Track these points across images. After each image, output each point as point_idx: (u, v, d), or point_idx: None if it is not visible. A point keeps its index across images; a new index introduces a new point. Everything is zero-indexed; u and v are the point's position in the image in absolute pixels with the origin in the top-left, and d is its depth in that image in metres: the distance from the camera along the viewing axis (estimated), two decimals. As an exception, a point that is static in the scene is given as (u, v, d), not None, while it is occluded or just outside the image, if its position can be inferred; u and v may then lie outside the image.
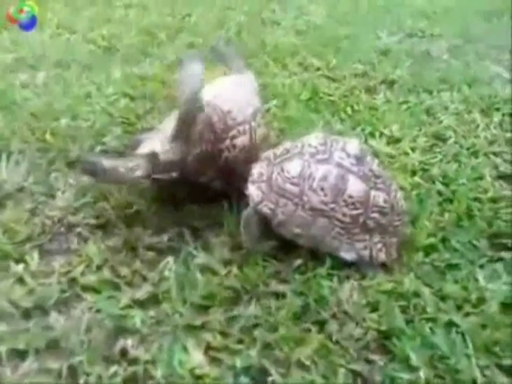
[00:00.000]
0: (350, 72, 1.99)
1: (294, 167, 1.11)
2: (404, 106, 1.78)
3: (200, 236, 1.17)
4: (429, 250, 1.16)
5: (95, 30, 2.28)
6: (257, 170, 1.16)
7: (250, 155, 1.21)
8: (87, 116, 1.60)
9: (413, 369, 0.91)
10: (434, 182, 1.39)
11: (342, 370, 0.91)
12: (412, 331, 0.97)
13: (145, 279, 1.07)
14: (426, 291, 1.05)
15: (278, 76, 1.93)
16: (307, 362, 0.91)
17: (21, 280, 1.05)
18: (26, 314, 0.98)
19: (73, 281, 1.05)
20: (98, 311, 0.99)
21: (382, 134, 1.60)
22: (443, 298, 1.05)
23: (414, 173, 1.43)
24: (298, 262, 1.10)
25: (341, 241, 1.10)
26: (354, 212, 1.09)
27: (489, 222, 1.24)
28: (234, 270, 1.08)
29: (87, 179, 1.26)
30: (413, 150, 1.53)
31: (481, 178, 1.41)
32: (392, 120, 1.67)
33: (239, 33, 2.32)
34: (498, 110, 1.76)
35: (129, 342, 0.94)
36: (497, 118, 1.71)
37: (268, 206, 1.11)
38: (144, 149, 1.20)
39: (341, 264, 1.10)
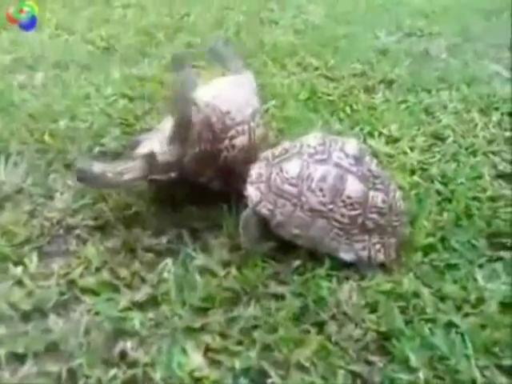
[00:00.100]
0: (348, 72, 1.99)
1: (292, 167, 1.11)
2: (403, 106, 1.78)
3: (199, 237, 1.17)
4: (428, 249, 1.16)
5: (94, 31, 2.28)
6: (255, 170, 1.16)
7: (249, 155, 1.21)
8: (86, 117, 1.60)
9: (412, 370, 0.91)
10: (432, 182, 1.39)
11: (341, 372, 0.91)
12: (411, 332, 0.97)
13: (144, 281, 1.07)
14: (425, 291, 1.05)
15: (277, 76, 1.93)
16: (306, 364, 0.91)
17: (20, 282, 1.05)
18: (25, 317, 0.98)
19: (72, 283, 1.05)
20: (97, 313, 0.99)
21: (380, 133, 1.60)
22: (442, 299, 1.05)
23: (412, 172, 1.43)
24: (297, 262, 1.10)
25: (339, 241, 1.10)
26: (353, 213, 1.09)
27: (488, 221, 1.24)
28: (233, 271, 1.08)
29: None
30: (411, 149, 1.53)
31: (480, 177, 1.41)
32: (391, 119, 1.67)
33: (238, 32, 2.32)
34: (496, 109, 1.76)
35: (128, 344, 0.94)
36: (496, 117, 1.71)
37: (267, 206, 1.11)
38: (143, 149, 1.20)
39: (340, 265, 1.10)
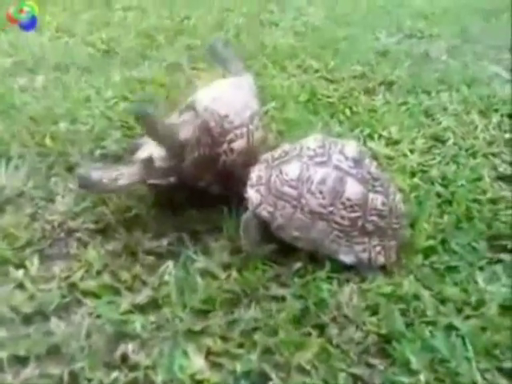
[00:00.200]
0: (348, 73, 1.99)
1: (292, 170, 1.11)
2: (403, 108, 1.78)
3: (199, 240, 1.17)
4: (428, 252, 1.16)
5: (94, 34, 2.29)
6: (255, 173, 1.16)
7: (248, 158, 1.21)
8: (86, 120, 1.60)
9: (413, 372, 0.91)
10: (433, 184, 1.39)
11: (342, 374, 0.91)
12: (412, 334, 0.97)
13: (145, 284, 1.07)
14: (425, 294, 1.05)
15: (277, 78, 1.94)
16: (307, 366, 0.91)
17: (21, 285, 1.05)
18: (27, 320, 0.98)
19: (73, 286, 1.06)
20: (99, 316, 0.99)
21: (380, 135, 1.60)
22: (443, 301, 1.05)
23: (412, 174, 1.43)
24: (298, 265, 1.10)
25: (339, 244, 1.10)
26: (353, 215, 1.09)
27: (488, 223, 1.25)
28: (234, 273, 1.08)
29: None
30: (412, 151, 1.53)
31: (480, 179, 1.41)
32: (391, 121, 1.67)
33: (238, 35, 2.33)
34: (496, 110, 1.76)
35: (129, 347, 0.94)
36: (495, 118, 1.71)
37: (267, 209, 1.11)
38: (142, 153, 1.20)
39: (340, 267, 1.10)
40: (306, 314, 1.01)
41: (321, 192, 1.09)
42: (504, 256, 1.16)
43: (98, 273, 1.08)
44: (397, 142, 1.58)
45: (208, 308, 1.02)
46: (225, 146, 1.19)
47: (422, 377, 0.90)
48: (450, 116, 1.73)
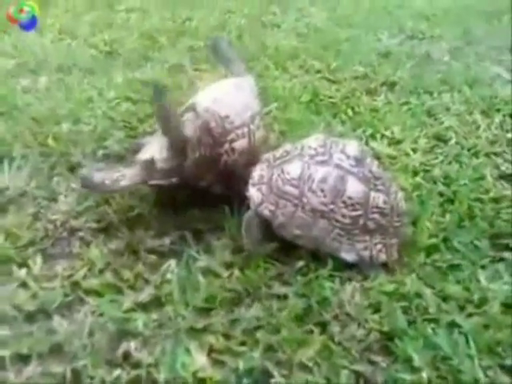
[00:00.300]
0: (350, 74, 1.99)
1: (293, 169, 1.12)
2: (405, 108, 1.78)
3: (202, 239, 1.17)
4: (430, 250, 1.16)
5: (97, 35, 2.29)
6: (257, 172, 1.16)
7: (250, 158, 1.21)
8: (89, 120, 1.60)
9: (415, 370, 0.91)
10: (435, 183, 1.39)
11: (344, 372, 0.91)
12: (414, 332, 0.97)
13: (147, 282, 1.07)
14: (427, 292, 1.05)
15: (279, 79, 1.94)
16: (310, 364, 0.91)
17: (24, 284, 1.05)
18: (30, 318, 0.99)
19: (75, 284, 1.06)
20: (101, 315, 0.99)
21: (383, 135, 1.60)
22: (445, 299, 1.05)
23: (415, 174, 1.43)
24: (300, 263, 1.10)
25: (341, 242, 1.10)
26: (354, 213, 1.09)
27: (490, 222, 1.25)
28: (236, 272, 1.09)
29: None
30: (414, 151, 1.53)
31: (482, 178, 1.41)
32: (393, 121, 1.67)
33: (240, 36, 2.33)
34: (498, 110, 1.76)
35: (132, 345, 0.94)
36: (498, 118, 1.71)
37: (268, 207, 1.11)
38: (144, 154, 1.20)
39: (342, 265, 1.10)
40: (308, 312, 1.01)
41: (322, 190, 1.09)
42: (506, 254, 1.16)
43: (101, 271, 1.09)
44: (399, 142, 1.58)
45: (210, 306, 1.02)
46: (226, 145, 1.19)
47: (424, 374, 0.90)
48: (452, 116, 1.73)
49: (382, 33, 2.43)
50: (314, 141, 1.15)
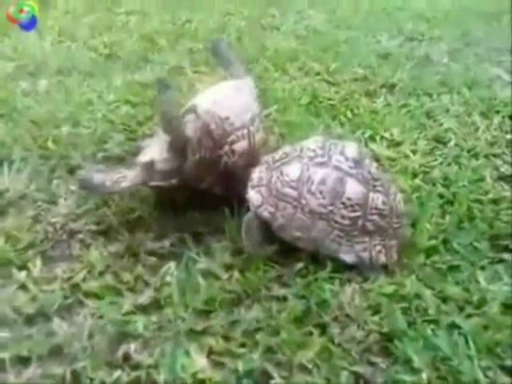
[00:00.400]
0: (349, 76, 2.00)
1: (293, 171, 1.12)
2: (404, 110, 1.79)
3: (201, 241, 1.18)
4: (430, 252, 1.16)
5: (96, 38, 2.29)
6: (256, 174, 1.17)
7: (250, 160, 1.21)
8: (88, 123, 1.60)
9: (415, 371, 0.91)
10: (434, 185, 1.39)
11: (344, 373, 0.91)
12: (414, 333, 0.97)
13: (147, 284, 1.07)
14: (427, 293, 1.06)
15: (279, 81, 1.94)
16: (309, 365, 0.91)
17: (24, 287, 1.05)
18: (29, 321, 0.99)
19: (75, 287, 1.06)
20: (101, 317, 0.99)
21: (382, 137, 1.61)
22: (445, 300, 1.05)
23: (414, 175, 1.43)
24: (300, 265, 1.11)
25: (340, 243, 1.10)
26: (353, 214, 1.09)
27: (490, 223, 1.25)
28: (236, 274, 1.09)
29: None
30: (413, 152, 1.54)
31: (481, 179, 1.41)
32: (392, 123, 1.67)
33: (239, 38, 2.33)
34: (497, 112, 1.77)
35: (131, 347, 0.94)
36: (497, 120, 1.72)
37: (268, 209, 1.12)
38: (144, 156, 1.20)
39: (342, 267, 1.10)
40: (307, 314, 1.01)
41: (321, 192, 1.09)
42: (505, 255, 1.17)
43: (101, 274, 1.09)
44: (398, 144, 1.58)
45: (210, 308, 1.02)
46: (226, 147, 1.20)
47: (424, 375, 0.90)
48: (451, 117, 1.74)
49: (381, 34, 2.44)
50: (312, 143, 1.15)
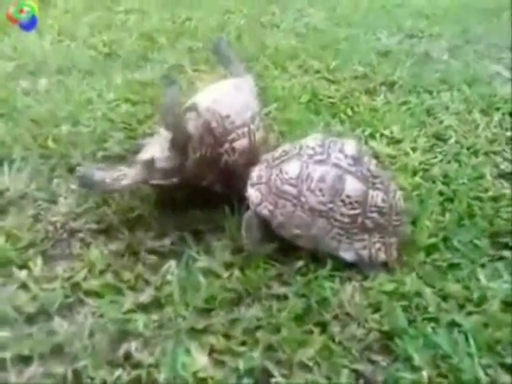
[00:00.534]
0: (349, 74, 2.00)
1: (292, 168, 1.12)
2: (404, 107, 1.79)
3: (202, 239, 1.18)
4: (430, 249, 1.16)
5: (96, 36, 2.29)
6: (256, 172, 1.17)
7: (250, 158, 1.22)
8: (88, 122, 1.60)
9: (416, 369, 0.91)
10: (434, 182, 1.39)
11: (344, 371, 0.91)
12: (414, 331, 0.97)
13: (147, 283, 1.07)
14: (427, 291, 1.06)
15: (278, 79, 1.94)
16: (310, 363, 0.92)
17: (24, 286, 1.05)
18: (30, 320, 0.99)
19: (76, 286, 1.06)
20: (101, 316, 1.00)
21: (382, 134, 1.61)
22: (445, 298, 1.05)
23: (414, 173, 1.43)
24: (300, 263, 1.11)
25: (340, 241, 1.10)
26: (353, 212, 1.09)
27: (490, 220, 1.25)
28: (236, 272, 1.09)
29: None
30: (413, 150, 1.54)
31: (481, 177, 1.42)
32: (392, 121, 1.67)
33: (239, 36, 2.33)
34: (498, 109, 1.77)
35: (132, 345, 0.94)
36: (497, 117, 1.72)
37: (267, 207, 1.12)
38: (145, 154, 1.20)
39: (342, 265, 1.10)
40: (308, 312, 1.01)
41: (320, 190, 1.09)
42: (506, 253, 1.17)
43: (101, 272, 1.09)
44: (398, 141, 1.58)
45: (210, 307, 1.02)
46: (227, 145, 1.20)
47: (424, 373, 0.90)
48: (451, 115, 1.74)
49: (381, 32, 2.44)
50: (312, 140, 1.16)
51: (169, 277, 1.08)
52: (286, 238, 1.12)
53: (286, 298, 1.04)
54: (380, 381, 0.91)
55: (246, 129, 1.22)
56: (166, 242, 1.17)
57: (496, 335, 0.97)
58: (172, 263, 1.11)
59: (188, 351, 0.93)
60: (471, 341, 0.95)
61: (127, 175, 1.17)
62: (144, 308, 1.02)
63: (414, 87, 1.91)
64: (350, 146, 1.13)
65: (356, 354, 0.94)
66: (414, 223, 1.22)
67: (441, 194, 1.34)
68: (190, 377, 0.89)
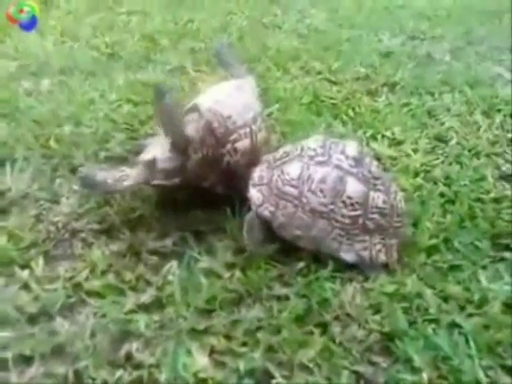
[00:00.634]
0: (351, 75, 2.00)
1: (293, 169, 1.12)
2: (406, 109, 1.79)
3: (203, 240, 1.18)
4: (431, 251, 1.16)
5: (98, 37, 2.29)
6: (257, 173, 1.17)
7: (252, 159, 1.22)
8: (90, 122, 1.60)
9: (416, 370, 0.91)
10: (436, 184, 1.39)
11: (345, 372, 0.91)
12: (415, 332, 0.97)
13: (149, 283, 1.07)
14: (428, 292, 1.06)
15: (280, 80, 1.94)
16: (310, 364, 0.92)
17: (26, 286, 1.06)
18: (32, 320, 0.99)
19: (77, 286, 1.06)
20: (103, 316, 1.00)
21: (383, 136, 1.61)
22: (446, 299, 1.05)
23: (416, 174, 1.43)
24: (301, 264, 1.11)
25: (341, 242, 1.11)
26: (354, 213, 1.10)
27: (491, 222, 1.25)
28: (237, 273, 1.09)
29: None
30: (415, 151, 1.54)
31: (483, 178, 1.42)
32: (394, 122, 1.67)
33: (241, 37, 2.33)
34: (499, 111, 1.77)
35: (133, 346, 0.94)
36: (498, 118, 1.72)
37: (268, 208, 1.12)
38: (146, 155, 1.21)
39: (343, 267, 1.10)
40: (309, 313, 1.01)
41: (321, 191, 1.09)
42: (507, 255, 1.17)
43: (103, 273, 1.09)
44: (400, 143, 1.58)
45: (211, 307, 1.02)
46: (228, 146, 1.20)
47: (424, 374, 0.90)
48: (453, 116, 1.74)
49: (383, 33, 2.44)
50: (313, 142, 1.16)
51: (170, 277, 1.08)
52: (287, 238, 1.12)
53: (286, 298, 1.04)
54: (380, 382, 0.91)
55: (247, 129, 1.22)
56: (168, 242, 1.17)
57: (496, 337, 0.97)
58: (173, 264, 1.11)
59: (189, 352, 0.93)
60: (472, 342, 0.95)
61: (129, 176, 1.17)
62: (145, 308, 1.02)
63: (415, 88, 1.91)
64: (352, 148, 1.13)
65: (356, 355, 0.94)
66: (414, 224, 1.22)
67: (442, 195, 1.34)
68: (191, 377, 0.89)
